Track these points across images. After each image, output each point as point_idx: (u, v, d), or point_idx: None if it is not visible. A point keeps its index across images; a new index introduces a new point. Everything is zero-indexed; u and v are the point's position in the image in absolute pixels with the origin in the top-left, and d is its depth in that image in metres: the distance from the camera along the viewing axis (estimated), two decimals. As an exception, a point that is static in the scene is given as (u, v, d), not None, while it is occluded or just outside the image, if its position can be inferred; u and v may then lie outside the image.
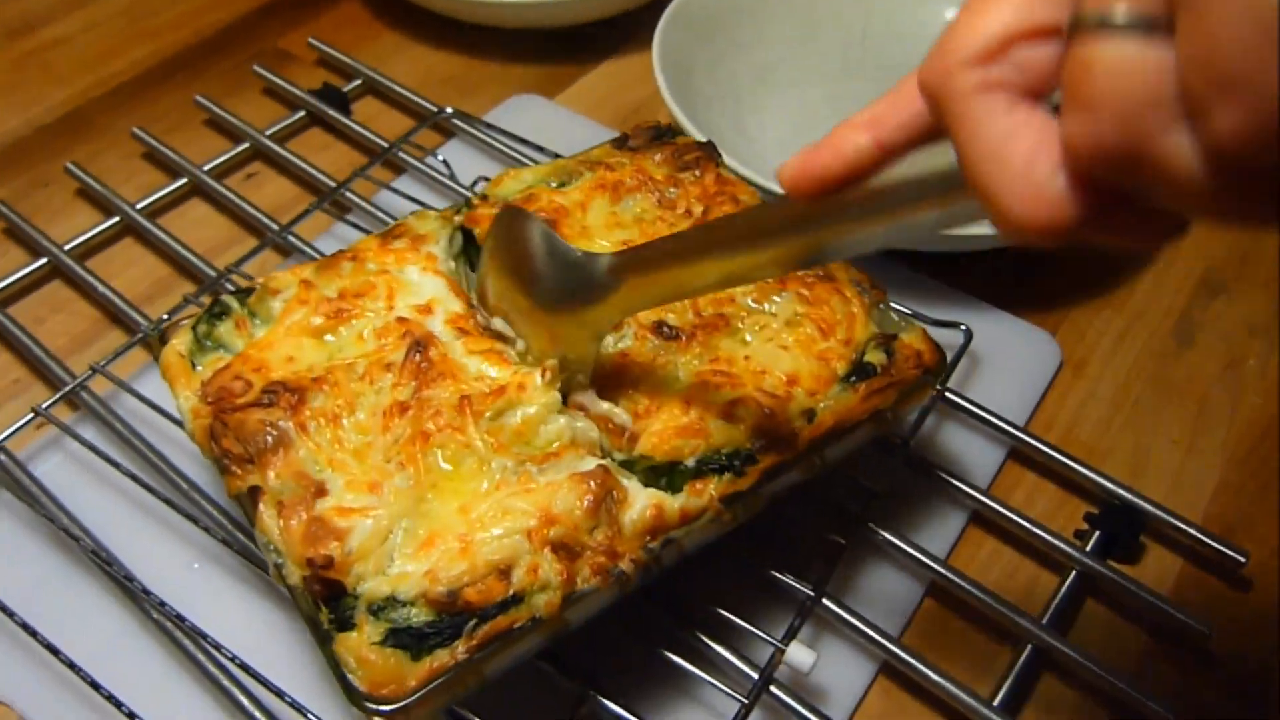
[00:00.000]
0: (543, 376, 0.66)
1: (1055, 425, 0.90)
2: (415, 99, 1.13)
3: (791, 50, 1.18)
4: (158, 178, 1.06)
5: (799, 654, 0.70)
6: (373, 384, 0.67)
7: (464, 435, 0.64)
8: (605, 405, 0.68)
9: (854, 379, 0.70)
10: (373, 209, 0.99)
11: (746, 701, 0.68)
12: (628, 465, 0.66)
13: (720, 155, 0.86)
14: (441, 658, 0.57)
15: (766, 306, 0.73)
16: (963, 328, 0.88)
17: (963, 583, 0.75)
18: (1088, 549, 0.79)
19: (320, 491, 0.62)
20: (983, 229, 0.98)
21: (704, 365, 0.69)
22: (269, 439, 0.64)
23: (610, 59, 1.25)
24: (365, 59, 1.19)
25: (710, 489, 0.65)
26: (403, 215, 0.96)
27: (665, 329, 0.71)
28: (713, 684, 0.69)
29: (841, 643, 0.74)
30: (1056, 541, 0.79)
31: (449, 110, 1.10)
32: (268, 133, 1.09)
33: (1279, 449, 0.89)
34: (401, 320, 0.71)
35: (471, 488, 0.62)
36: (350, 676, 0.57)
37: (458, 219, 0.79)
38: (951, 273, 0.99)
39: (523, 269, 0.69)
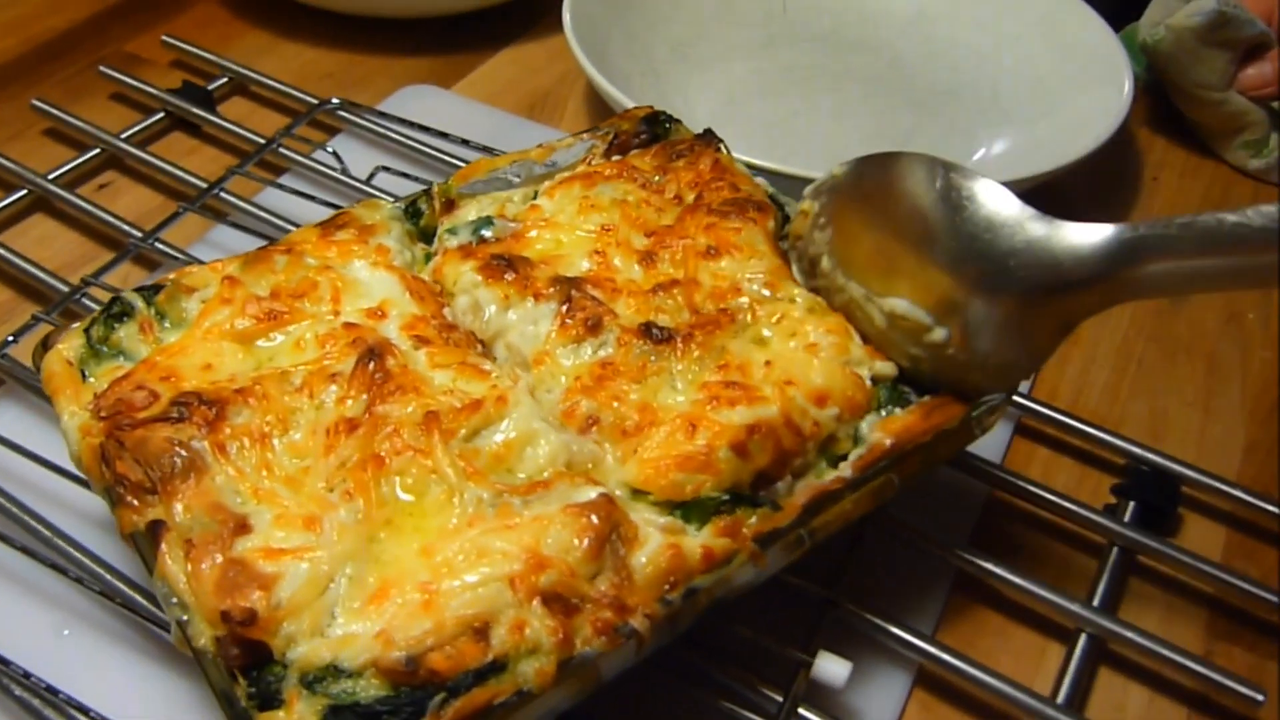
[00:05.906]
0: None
1: (1059, 396, 0.81)
2: (294, 93, 1.00)
3: (709, 24, 1.11)
4: (-9, 192, 0.90)
5: (829, 665, 0.58)
6: (313, 398, 0.56)
7: (429, 459, 0.52)
8: None
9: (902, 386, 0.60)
10: (256, 210, 0.85)
11: (775, 728, 0.56)
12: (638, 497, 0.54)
13: (721, 141, 0.73)
14: None
15: (780, 295, 0.61)
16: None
17: (994, 568, 0.65)
18: (1125, 521, 0.70)
19: (242, 528, 0.50)
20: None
21: (709, 375, 0.57)
22: (177, 462, 0.52)
23: (510, 46, 1.15)
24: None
25: (743, 527, 0.53)
26: (290, 215, 0.84)
27: (655, 330, 0.58)
28: (732, 709, 0.57)
29: (865, 649, 0.62)
30: (1090, 515, 0.69)
31: (334, 101, 0.97)
32: (122, 137, 0.94)
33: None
34: (350, 326, 0.59)
35: (437, 524, 0.51)
36: None
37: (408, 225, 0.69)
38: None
39: (922, 231, 0.57)
